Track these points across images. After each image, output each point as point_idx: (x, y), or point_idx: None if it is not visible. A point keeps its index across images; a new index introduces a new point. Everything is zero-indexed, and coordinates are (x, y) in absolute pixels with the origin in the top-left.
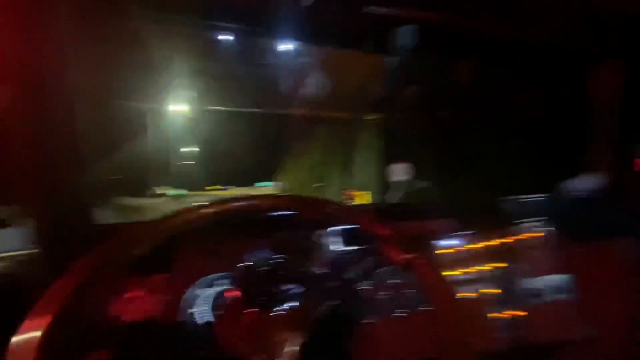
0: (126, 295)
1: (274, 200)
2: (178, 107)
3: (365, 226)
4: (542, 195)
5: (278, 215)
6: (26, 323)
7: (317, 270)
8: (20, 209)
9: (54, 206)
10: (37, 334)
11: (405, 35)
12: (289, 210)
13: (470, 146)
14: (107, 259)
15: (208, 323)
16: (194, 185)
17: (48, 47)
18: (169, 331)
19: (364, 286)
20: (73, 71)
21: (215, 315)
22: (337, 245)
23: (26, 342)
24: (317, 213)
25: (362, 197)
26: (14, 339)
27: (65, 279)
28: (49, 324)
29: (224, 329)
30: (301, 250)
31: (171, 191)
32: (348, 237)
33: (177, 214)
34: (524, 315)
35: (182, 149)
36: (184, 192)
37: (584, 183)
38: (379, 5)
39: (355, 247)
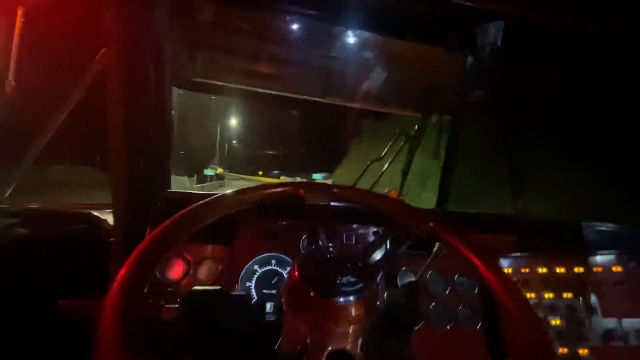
0: (188, 261)
1: (280, 188)
2: (239, 93)
3: (377, 205)
4: (629, 224)
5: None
6: (119, 276)
7: (375, 266)
8: (107, 174)
9: (135, 171)
10: (127, 283)
11: (491, 31)
12: (294, 197)
13: (548, 158)
14: (180, 227)
15: (264, 300)
16: (241, 168)
17: (147, 36)
18: (233, 300)
19: (419, 293)
20: (164, 57)
21: (268, 293)
22: (379, 239)
23: (115, 293)
24: (324, 197)
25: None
26: (111, 287)
27: (146, 242)
28: (131, 280)
29: (286, 308)
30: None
31: (208, 170)
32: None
33: (241, 191)
34: (592, 356)
35: (239, 134)
36: (212, 172)
37: None
38: None
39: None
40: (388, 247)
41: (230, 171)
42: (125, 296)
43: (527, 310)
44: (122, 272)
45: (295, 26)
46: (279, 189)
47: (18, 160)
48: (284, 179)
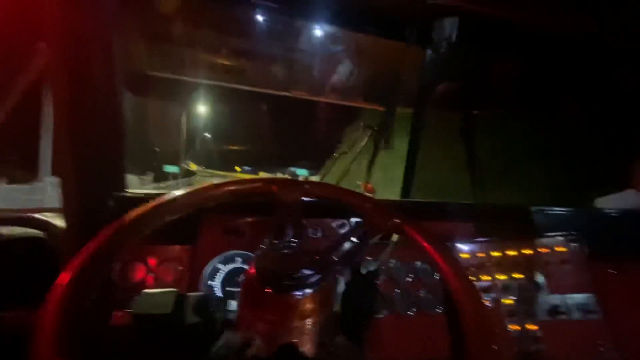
0: (148, 263)
1: (252, 184)
2: (213, 88)
3: (347, 200)
4: (574, 207)
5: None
6: (59, 280)
7: (332, 258)
8: (57, 171)
9: (85, 172)
10: (67, 290)
11: (448, 26)
12: (267, 192)
13: (504, 147)
14: (133, 228)
15: (225, 297)
16: (214, 164)
17: (94, 29)
18: (187, 301)
19: (380, 280)
20: (114, 50)
21: (232, 291)
22: (348, 234)
23: (56, 297)
24: (296, 193)
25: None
26: (48, 295)
27: (94, 243)
28: (75, 282)
29: (241, 305)
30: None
31: (169, 167)
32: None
33: (200, 189)
34: (539, 330)
35: (212, 129)
36: (175, 169)
37: (623, 199)
38: None
39: (355, 229)
40: (357, 240)
41: (206, 167)
42: (65, 303)
43: (476, 300)
44: (62, 276)
45: (257, 19)
46: (250, 185)
47: None
48: (262, 175)
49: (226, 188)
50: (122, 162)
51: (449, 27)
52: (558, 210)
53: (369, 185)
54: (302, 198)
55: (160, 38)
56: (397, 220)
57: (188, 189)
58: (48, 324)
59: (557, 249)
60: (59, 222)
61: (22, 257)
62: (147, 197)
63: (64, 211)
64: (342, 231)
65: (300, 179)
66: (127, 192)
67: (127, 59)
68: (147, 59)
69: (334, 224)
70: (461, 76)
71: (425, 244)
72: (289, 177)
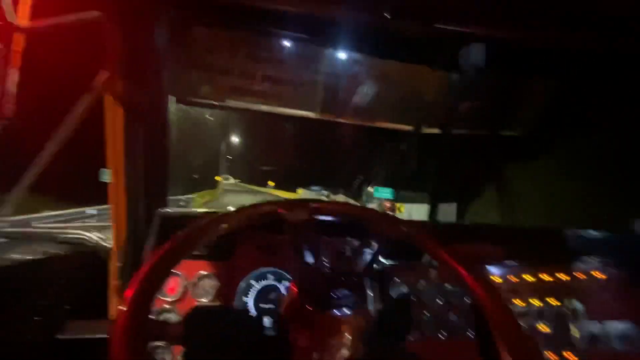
0: (185, 277)
1: (259, 208)
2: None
3: (356, 216)
4: (612, 231)
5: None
6: (125, 297)
7: (365, 277)
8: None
9: (134, 193)
10: (131, 307)
11: (474, 53)
12: (277, 212)
13: (534, 169)
14: (183, 246)
15: (258, 313)
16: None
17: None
18: (227, 316)
19: (412, 303)
20: (163, 79)
21: (265, 308)
22: (360, 247)
23: (122, 315)
24: (302, 213)
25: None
26: (117, 311)
27: (151, 260)
28: (140, 299)
29: (283, 322)
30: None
31: None
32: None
33: (224, 216)
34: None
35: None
36: None
37: None
38: (452, 21)
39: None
40: (370, 253)
41: (241, 181)
42: (136, 316)
43: (504, 310)
44: (130, 292)
45: (289, 48)
46: (257, 210)
47: (16, 183)
48: (300, 191)
49: (237, 216)
50: (166, 184)
51: (476, 52)
52: (595, 233)
53: (389, 204)
54: (313, 217)
55: (198, 67)
56: (403, 228)
57: (202, 220)
58: (123, 337)
59: (595, 274)
60: (108, 239)
61: (70, 272)
62: (185, 216)
63: (115, 228)
64: (357, 246)
65: (383, 200)
66: (167, 211)
67: (172, 87)
68: (188, 86)
69: (356, 241)
70: (488, 98)
71: (437, 251)
72: (297, 198)
